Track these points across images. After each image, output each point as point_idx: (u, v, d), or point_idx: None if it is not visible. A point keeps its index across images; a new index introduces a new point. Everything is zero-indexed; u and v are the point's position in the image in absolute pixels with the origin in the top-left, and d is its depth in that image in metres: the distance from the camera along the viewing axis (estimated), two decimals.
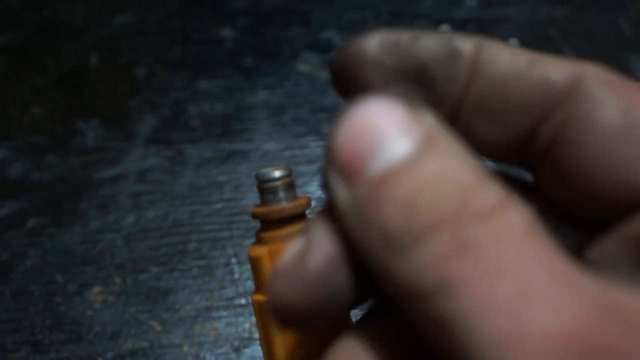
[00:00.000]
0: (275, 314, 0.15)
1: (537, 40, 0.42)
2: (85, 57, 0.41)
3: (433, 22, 0.44)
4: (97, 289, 0.33)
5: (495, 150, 0.17)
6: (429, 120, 0.15)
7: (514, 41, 0.42)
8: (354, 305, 0.16)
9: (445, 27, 0.43)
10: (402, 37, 0.16)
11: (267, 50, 0.42)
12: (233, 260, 0.34)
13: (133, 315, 0.32)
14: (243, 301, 0.32)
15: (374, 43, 0.16)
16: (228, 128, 0.38)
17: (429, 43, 0.16)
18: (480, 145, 0.17)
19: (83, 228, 0.35)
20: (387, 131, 0.14)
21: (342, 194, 0.14)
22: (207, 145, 0.38)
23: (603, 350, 0.12)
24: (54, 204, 0.35)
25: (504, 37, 0.42)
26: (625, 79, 0.16)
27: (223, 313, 0.32)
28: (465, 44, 0.16)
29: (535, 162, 0.17)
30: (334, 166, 0.15)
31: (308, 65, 0.41)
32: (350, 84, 0.17)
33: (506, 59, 0.16)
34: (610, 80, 0.15)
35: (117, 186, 0.36)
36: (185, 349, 0.31)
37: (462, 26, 0.43)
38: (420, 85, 0.16)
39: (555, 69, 0.16)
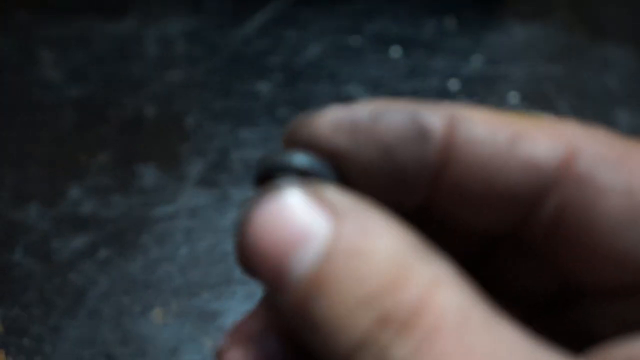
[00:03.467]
0: None
1: (535, 94, 0.48)
2: (142, 109, 0.48)
3: (444, 77, 0.50)
4: (157, 310, 0.39)
5: (478, 237, 0.15)
6: (336, 199, 0.13)
7: (514, 94, 0.48)
8: None
9: (454, 82, 0.49)
10: (361, 115, 0.14)
11: (298, 102, 0.48)
12: None
13: (188, 333, 0.38)
14: None
15: (329, 124, 0.14)
16: None
17: (393, 122, 0.14)
18: (463, 224, 0.15)
19: (144, 258, 0.41)
20: (289, 235, 0.12)
21: (274, 296, 0.13)
22: (247, 187, 0.44)
23: None
24: (119, 237, 0.42)
25: (505, 91, 0.48)
26: (618, 139, 0.14)
27: None
28: (434, 120, 0.14)
29: (532, 241, 0.15)
30: (255, 267, 0.13)
31: None
32: None
33: (484, 137, 0.14)
34: (606, 154, 0.13)
35: (171, 222, 0.42)
36: None
37: (469, 81, 0.49)
38: (384, 171, 0.14)
39: (542, 147, 0.13)
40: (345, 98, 0.48)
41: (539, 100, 0.47)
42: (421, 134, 0.14)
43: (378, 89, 0.49)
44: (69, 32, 0.53)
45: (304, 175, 0.14)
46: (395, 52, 0.51)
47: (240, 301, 0.39)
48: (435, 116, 0.14)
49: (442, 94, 0.48)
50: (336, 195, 0.13)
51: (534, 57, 0.50)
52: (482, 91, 0.48)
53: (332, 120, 0.14)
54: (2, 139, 0.46)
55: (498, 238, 0.15)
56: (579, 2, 0.55)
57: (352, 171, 0.14)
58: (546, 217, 0.14)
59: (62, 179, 0.44)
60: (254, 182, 0.15)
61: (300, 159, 0.14)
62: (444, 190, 0.14)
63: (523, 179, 0.13)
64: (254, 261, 0.13)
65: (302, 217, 0.12)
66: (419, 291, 0.12)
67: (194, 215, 0.42)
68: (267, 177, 0.14)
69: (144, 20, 0.54)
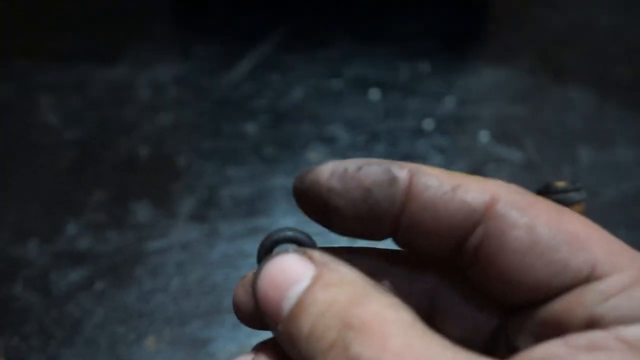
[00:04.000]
0: None
1: (503, 132, 0.51)
2: (135, 149, 0.51)
3: (419, 117, 0.53)
4: (151, 338, 0.41)
5: (431, 255, 0.20)
6: (317, 256, 0.18)
7: (484, 133, 0.51)
8: None
9: (429, 122, 0.52)
10: (349, 166, 0.19)
11: (283, 142, 0.51)
12: None
13: None
14: None
15: (327, 171, 0.19)
16: (252, 207, 0.47)
17: (371, 172, 0.19)
18: (418, 250, 0.20)
19: (138, 289, 0.43)
20: (286, 279, 0.17)
21: (274, 330, 0.18)
22: (236, 222, 0.46)
23: None
24: (114, 271, 0.44)
25: (476, 130, 0.51)
26: (529, 196, 0.18)
27: None
28: (401, 172, 0.19)
29: (465, 264, 0.19)
30: (263, 312, 0.18)
31: (316, 154, 0.51)
32: (310, 204, 0.20)
33: (434, 185, 0.19)
34: (517, 202, 0.18)
35: (164, 255, 0.45)
36: None
37: (442, 121, 0.52)
38: (365, 205, 0.19)
39: (474, 194, 0.18)
40: (327, 138, 0.51)
41: (506, 138, 0.51)
42: (391, 180, 0.19)
43: (358, 128, 0.52)
44: (66, 78, 0.56)
45: (293, 243, 0.20)
46: (374, 94, 0.55)
47: (229, 329, 0.41)
48: (402, 169, 0.19)
49: (417, 133, 0.52)
50: (317, 254, 0.18)
51: (502, 98, 0.54)
52: (455, 130, 0.52)
53: (329, 169, 0.19)
54: (3, 179, 0.49)
55: (447, 257, 0.20)
56: (543, 47, 0.60)
57: (342, 206, 0.19)
58: (473, 244, 0.18)
59: (60, 216, 0.46)
60: (259, 257, 0.20)
61: (290, 233, 0.20)
62: (406, 222, 0.19)
63: (459, 215, 0.18)
64: (262, 306, 0.18)
65: (295, 267, 0.18)
66: (374, 309, 0.16)
67: (185, 249, 0.45)
68: (269, 250, 0.20)
69: (136, 66, 0.57)
